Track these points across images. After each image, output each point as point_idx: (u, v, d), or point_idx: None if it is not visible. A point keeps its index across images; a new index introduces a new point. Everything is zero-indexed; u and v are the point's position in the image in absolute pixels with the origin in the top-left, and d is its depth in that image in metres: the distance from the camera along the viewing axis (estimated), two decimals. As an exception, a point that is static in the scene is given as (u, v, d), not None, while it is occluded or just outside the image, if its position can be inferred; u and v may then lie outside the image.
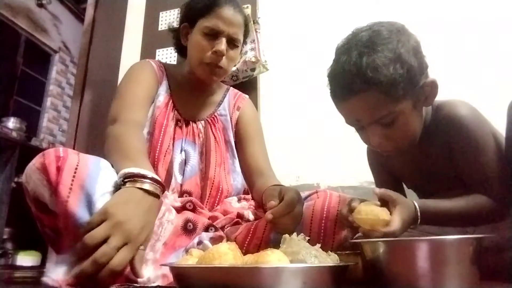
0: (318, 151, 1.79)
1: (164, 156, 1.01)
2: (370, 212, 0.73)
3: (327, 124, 1.82)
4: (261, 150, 1.17)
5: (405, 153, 0.91)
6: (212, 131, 1.12)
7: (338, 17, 1.95)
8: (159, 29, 2.21)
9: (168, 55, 2.11)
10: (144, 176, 0.73)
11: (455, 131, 0.83)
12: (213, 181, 1.05)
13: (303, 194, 1.04)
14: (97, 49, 2.35)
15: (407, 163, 0.97)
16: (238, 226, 0.96)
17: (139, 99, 1.03)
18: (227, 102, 1.20)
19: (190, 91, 1.14)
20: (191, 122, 1.11)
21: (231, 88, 1.27)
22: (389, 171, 1.06)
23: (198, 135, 1.10)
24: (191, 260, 0.63)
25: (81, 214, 0.67)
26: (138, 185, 0.72)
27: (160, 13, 2.23)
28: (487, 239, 0.63)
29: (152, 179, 0.74)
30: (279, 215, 0.76)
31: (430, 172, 0.93)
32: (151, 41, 2.19)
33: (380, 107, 0.77)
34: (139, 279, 0.70)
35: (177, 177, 1.02)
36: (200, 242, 0.87)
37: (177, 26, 1.18)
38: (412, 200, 0.77)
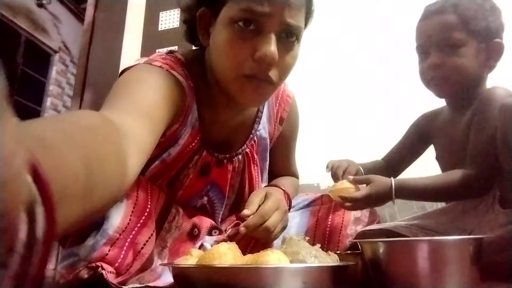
0: (318, 151, 1.79)
1: None
2: (339, 186, 0.85)
3: (327, 124, 1.82)
4: (291, 155, 1.05)
5: (449, 121, 1.01)
6: (251, 167, 0.89)
7: (338, 16, 1.95)
8: (159, 29, 2.21)
9: (168, 55, 2.11)
10: None
11: (483, 103, 0.90)
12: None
13: (307, 198, 1.01)
14: (97, 49, 2.35)
15: (447, 129, 1.02)
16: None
17: (153, 104, 0.59)
18: (266, 115, 0.90)
19: (222, 108, 0.78)
20: (225, 161, 0.84)
21: None
22: (426, 138, 1.10)
23: (232, 174, 0.86)
24: (191, 260, 0.63)
25: None
26: None
27: (160, 13, 2.23)
28: (487, 239, 0.63)
29: None
30: (252, 227, 0.71)
31: (457, 141, 0.96)
32: (151, 41, 2.19)
33: (449, 30, 0.92)
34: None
35: None
36: (201, 245, 0.84)
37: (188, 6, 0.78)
38: (391, 179, 0.85)
